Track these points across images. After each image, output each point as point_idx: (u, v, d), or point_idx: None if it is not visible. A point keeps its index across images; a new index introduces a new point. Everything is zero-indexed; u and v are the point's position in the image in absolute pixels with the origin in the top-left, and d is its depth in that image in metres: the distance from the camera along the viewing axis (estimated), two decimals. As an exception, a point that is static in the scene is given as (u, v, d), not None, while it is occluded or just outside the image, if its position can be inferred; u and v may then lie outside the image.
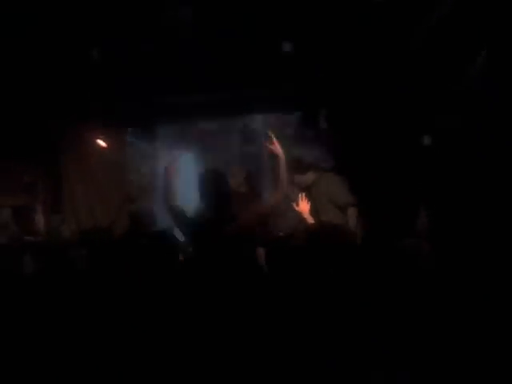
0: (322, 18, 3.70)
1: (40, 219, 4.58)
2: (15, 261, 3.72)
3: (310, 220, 3.44)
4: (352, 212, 3.63)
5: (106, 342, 2.49)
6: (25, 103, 4.64)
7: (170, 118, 5.16)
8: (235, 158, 5.08)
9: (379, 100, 4.27)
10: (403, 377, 1.95)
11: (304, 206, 3.47)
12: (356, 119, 4.50)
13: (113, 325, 2.55)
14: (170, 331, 2.47)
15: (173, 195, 2.91)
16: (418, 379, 1.97)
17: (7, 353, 2.55)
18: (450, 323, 2.20)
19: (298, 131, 4.81)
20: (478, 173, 3.29)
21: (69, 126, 5.09)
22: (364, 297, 2.33)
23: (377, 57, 3.98)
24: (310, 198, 3.54)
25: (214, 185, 2.76)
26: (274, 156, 2.92)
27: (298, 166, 3.65)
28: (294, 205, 3.49)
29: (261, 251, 3.09)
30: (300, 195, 3.51)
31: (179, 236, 3.04)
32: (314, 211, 3.51)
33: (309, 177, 3.71)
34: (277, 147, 2.89)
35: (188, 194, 3.01)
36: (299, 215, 3.52)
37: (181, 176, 2.91)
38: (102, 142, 5.10)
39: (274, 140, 2.91)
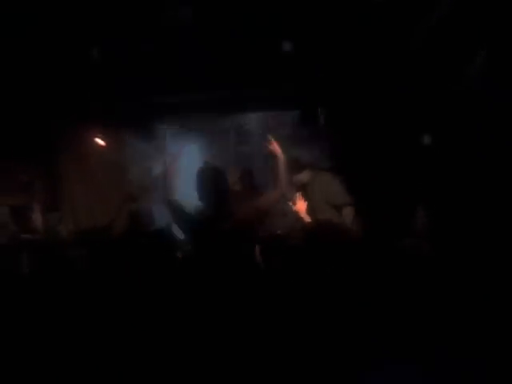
0: (322, 18, 3.71)
1: (38, 218, 4.56)
2: (13, 260, 3.72)
3: (307, 219, 3.44)
4: (348, 212, 3.62)
5: (105, 341, 2.49)
6: (23, 103, 4.65)
7: (170, 117, 5.16)
8: (230, 158, 5.09)
9: (378, 99, 4.28)
10: (403, 375, 1.95)
11: (301, 206, 3.48)
12: (355, 119, 4.51)
13: (112, 323, 2.55)
14: (168, 329, 2.47)
15: (172, 192, 2.93)
16: (417, 378, 1.97)
17: (4, 352, 2.55)
18: (450, 322, 2.21)
19: (294, 131, 4.82)
20: (477, 172, 3.30)
21: (68, 126, 5.09)
22: (362, 295, 2.33)
23: (377, 57, 3.99)
24: (306, 197, 3.55)
25: (212, 181, 2.77)
26: (272, 156, 2.96)
27: (294, 165, 3.65)
28: (291, 204, 3.49)
29: (258, 249, 3.11)
30: (297, 194, 3.51)
31: (178, 234, 3.05)
32: (310, 210, 3.51)
33: (305, 176, 3.71)
34: (276, 147, 2.93)
35: (187, 190, 3.01)
36: (296, 214, 3.52)
37: (181, 173, 2.93)
38: (100, 142, 5.10)
39: (273, 140, 2.95)
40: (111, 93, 4.58)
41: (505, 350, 1.98)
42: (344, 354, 2.08)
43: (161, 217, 4.14)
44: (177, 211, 2.89)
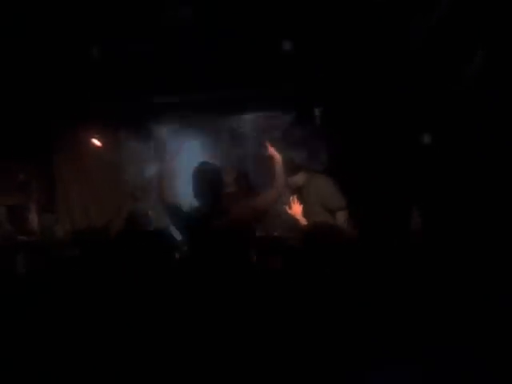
0: (322, 18, 3.72)
1: (34, 218, 4.54)
2: (9, 260, 3.70)
3: (303, 222, 3.44)
4: (341, 216, 3.62)
5: (102, 341, 2.47)
6: (19, 103, 4.63)
7: (168, 117, 5.16)
8: (226, 159, 5.10)
9: (377, 99, 4.29)
10: (402, 376, 1.94)
11: (296, 208, 3.48)
12: (353, 119, 4.52)
13: (109, 324, 2.53)
14: (165, 328, 2.45)
15: (169, 191, 2.93)
16: (416, 378, 1.96)
17: (1, 353, 2.53)
18: (447, 322, 2.20)
19: (289, 133, 4.83)
20: (476, 172, 3.31)
21: (66, 126, 5.07)
22: (361, 296, 2.33)
23: (376, 57, 4.00)
24: (301, 199, 3.55)
25: (207, 180, 2.78)
26: (269, 157, 2.99)
27: (289, 166, 3.66)
28: (287, 208, 3.49)
29: (255, 249, 3.11)
30: (292, 198, 3.51)
31: (176, 235, 3.04)
32: (305, 213, 3.51)
33: (300, 178, 3.70)
34: (273, 149, 2.99)
35: (185, 190, 3.02)
36: (292, 217, 3.53)
37: (178, 173, 2.94)
38: (96, 142, 5.09)
39: (271, 143, 3.02)
40: (110, 93, 4.57)
41: (504, 350, 1.98)
42: (343, 354, 2.07)
43: (158, 217, 4.14)
44: (173, 211, 2.90)
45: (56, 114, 4.87)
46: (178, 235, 3.04)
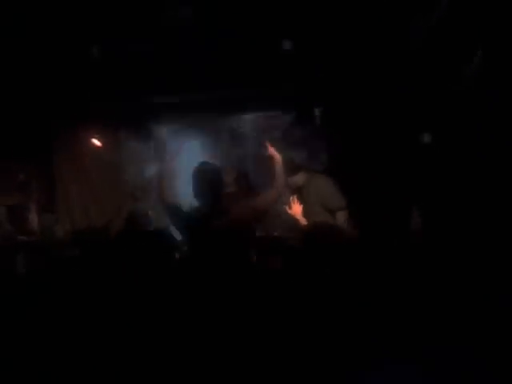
0: (322, 18, 3.72)
1: (34, 218, 4.54)
2: (9, 260, 3.70)
3: (303, 222, 3.44)
4: (341, 216, 3.62)
5: (102, 341, 2.47)
6: (19, 102, 4.63)
7: (168, 117, 5.16)
8: (226, 159, 5.10)
9: (377, 100, 4.29)
10: (401, 376, 1.94)
11: (296, 209, 3.48)
12: (353, 119, 4.53)
13: (109, 325, 2.53)
14: (165, 329, 2.45)
15: (169, 191, 2.94)
16: (416, 378, 1.96)
17: (1, 353, 2.52)
18: (446, 321, 2.20)
19: (289, 133, 4.83)
20: (476, 172, 3.31)
21: (66, 126, 5.07)
22: (361, 296, 2.33)
23: (376, 57, 4.01)
24: (301, 200, 3.55)
25: (207, 179, 2.78)
26: (270, 157, 3.00)
27: (289, 166, 3.66)
28: (287, 208, 3.49)
29: (255, 249, 3.11)
30: (292, 198, 3.51)
31: (176, 235, 3.04)
32: (305, 213, 3.51)
33: (300, 178, 3.71)
34: (273, 149, 3.00)
35: (185, 189, 3.02)
36: (292, 217, 3.53)
37: (179, 173, 2.94)
38: (96, 142, 5.09)
39: (271, 143, 3.03)
40: (110, 93, 4.57)
41: (504, 350, 1.98)
42: (343, 353, 2.07)
43: (158, 217, 4.13)
44: (173, 211, 2.90)
45: (56, 114, 4.87)
46: (177, 235, 3.04)
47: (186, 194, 3.04)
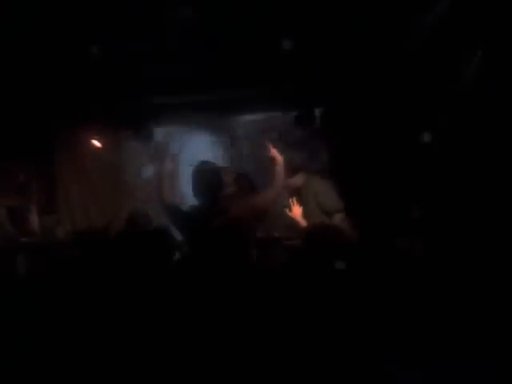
0: (322, 18, 3.72)
1: (34, 220, 4.54)
2: (10, 261, 3.70)
3: (303, 223, 3.45)
4: (337, 218, 3.62)
5: (103, 342, 2.48)
6: (19, 103, 4.62)
7: (168, 117, 5.16)
8: (223, 159, 5.11)
9: (377, 100, 4.29)
10: (401, 374, 1.94)
11: (296, 210, 3.49)
12: (353, 120, 4.53)
13: (109, 325, 2.54)
14: (165, 329, 2.45)
15: (169, 193, 2.94)
16: (415, 377, 1.96)
17: (2, 354, 2.53)
18: (445, 320, 2.21)
19: (289, 133, 4.84)
20: (476, 172, 3.31)
21: (66, 126, 5.07)
22: (360, 296, 2.33)
23: (376, 57, 4.01)
24: (300, 201, 3.55)
25: (206, 179, 2.78)
26: (271, 158, 3.01)
27: (289, 168, 3.67)
28: (287, 210, 3.50)
29: (256, 250, 3.11)
30: (291, 200, 3.51)
31: (176, 235, 3.04)
32: (305, 214, 3.52)
33: (299, 179, 3.72)
34: (275, 150, 3.02)
35: (184, 189, 3.03)
36: (292, 219, 3.53)
37: (179, 173, 2.95)
38: (96, 143, 5.08)
39: (273, 143, 3.05)
40: (110, 93, 4.56)
41: (502, 349, 1.99)
42: (343, 354, 2.07)
43: (158, 217, 4.13)
44: (172, 211, 2.91)
45: (56, 114, 4.87)
46: (178, 235, 3.05)
47: (186, 194, 3.05)
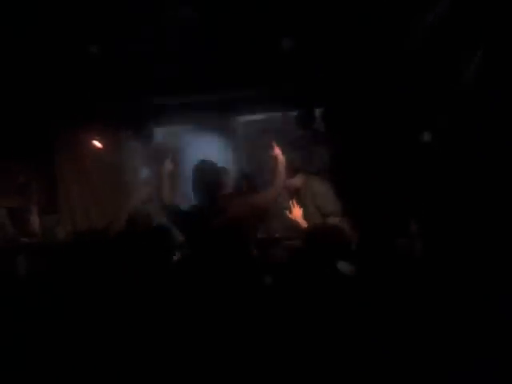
0: (322, 18, 3.72)
1: (35, 220, 4.54)
2: (11, 262, 3.70)
3: (304, 224, 3.45)
4: (332, 221, 3.63)
5: (104, 342, 2.48)
6: (19, 103, 4.62)
7: (168, 117, 5.16)
8: (224, 159, 5.10)
9: (377, 100, 4.30)
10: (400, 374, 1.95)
11: (297, 212, 3.49)
12: (353, 120, 4.53)
13: (110, 325, 2.54)
14: (165, 329, 2.45)
15: (168, 193, 2.94)
16: (414, 377, 1.97)
17: (2, 355, 2.53)
18: (444, 320, 2.21)
19: (288, 133, 4.84)
20: (475, 173, 3.31)
21: (66, 126, 5.07)
22: (360, 297, 2.33)
23: (376, 57, 4.01)
24: (299, 202, 3.55)
25: (206, 177, 2.78)
26: (273, 157, 3.01)
27: (289, 168, 3.68)
28: (287, 212, 3.49)
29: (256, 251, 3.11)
30: (291, 202, 3.51)
31: (176, 234, 3.04)
32: (304, 215, 3.52)
33: (298, 180, 3.72)
34: (277, 150, 3.02)
35: (184, 189, 3.03)
36: (293, 221, 3.53)
37: (178, 173, 2.94)
38: (97, 143, 5.09)
39: (275, 144, 3.05)
40: (110, 93, 4.57)
41: (500, 349, 1.99)
42: (344, 353, 2.07)
43: (159, 217, 4.13)
44: (172, 210, 2.91)
45: (56, 114, 4.87)
46: (178, 235, 3.05)
47: (186, 194, 3.05)
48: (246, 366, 2.26)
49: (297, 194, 3.64)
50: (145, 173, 5.30)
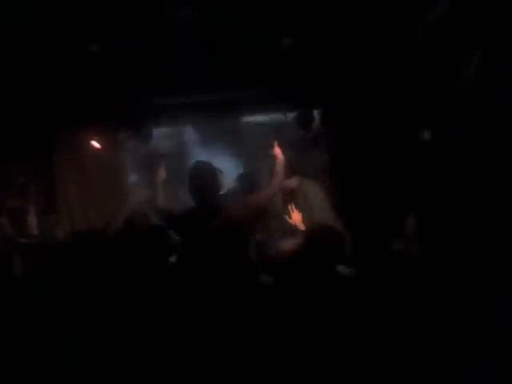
0: (322, 18, 3.73)
1: (33, 221, 4.55)
2: (9, 262, 3.70)
3: (302, 227, 3.44)
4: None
5: (103, 341, 2.48)
6: (20, 104, 4.62)
7: (168, 118, 5.16)
8: (223, 159, 5.10)
9: (377, 100, 4.30)
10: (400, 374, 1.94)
11: (296, 216, 3.48)
12: (352, 120, 4.53)
13: (108, 325, 2.54)
14: (164, 328, 2.45)
15: (162, 199, 2.93)
16: (413, 377, 1.96)
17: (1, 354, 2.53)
18: (441, 321, 2.20)
19: (288, 133, 4.84)
20: (475, 173, 3.31)
21: (65, 127, 5.07)
22: (359, 297, 2.33)
23: (376, 57, 4.01)
24: (296, 204, 3.55)
25: (202, 178, 2.77)
26: (273, 157, 3.00)
27: (287, 169, 3.68)
28: (287, 218, 3.49)
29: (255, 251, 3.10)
30: (290, 207, 3.51)
31: (173, 235, 3.04)
32: (303, 217, 3.51)
33: (293, 181, 3.73)
34: (278, 150, 3.00)
35: (181, 190, 3.01)
36: (293, 226, 3.52)
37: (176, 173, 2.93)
38: (96, 143, 5.09)
39: (276, 144, 3.03)
40: (110, 93, 4.57)
41: (498, 349, 1.98)
42: (343, 354, 2.07)
43: (157, 218, 4.13)
44: (169, 211, 2.89)
45: (56, 114, 4.87)
46: (175, 235, 3.04)
47: (183, 195, 3.03)
48: (245, 366, 2.26)
49: (292, 196, 3.64)
50: (143, 173, 5.29)
